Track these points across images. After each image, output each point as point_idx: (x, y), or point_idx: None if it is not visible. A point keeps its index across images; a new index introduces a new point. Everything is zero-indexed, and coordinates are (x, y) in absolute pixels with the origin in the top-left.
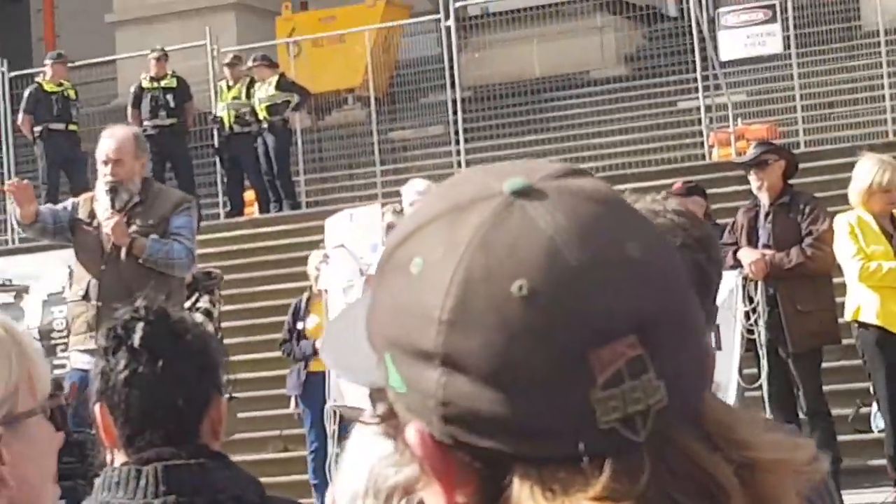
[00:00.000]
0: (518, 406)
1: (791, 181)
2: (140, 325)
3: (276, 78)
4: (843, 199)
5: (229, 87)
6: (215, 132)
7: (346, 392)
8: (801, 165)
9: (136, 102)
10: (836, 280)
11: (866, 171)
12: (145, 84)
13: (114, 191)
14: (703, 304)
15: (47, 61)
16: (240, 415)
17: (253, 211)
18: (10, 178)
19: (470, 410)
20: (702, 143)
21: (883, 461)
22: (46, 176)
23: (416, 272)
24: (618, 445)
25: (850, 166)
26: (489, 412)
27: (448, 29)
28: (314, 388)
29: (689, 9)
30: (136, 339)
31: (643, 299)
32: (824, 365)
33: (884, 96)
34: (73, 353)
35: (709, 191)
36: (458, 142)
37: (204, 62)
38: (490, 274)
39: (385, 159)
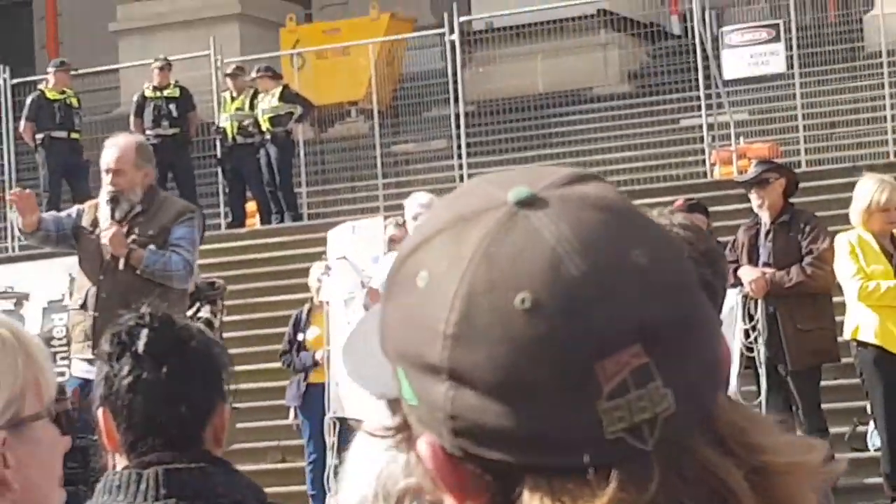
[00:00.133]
0: (524, 418)
1: (792, 200)
2: (145, 331)
3: (279, 89)
4: (844, 219)
5: (233, 98)
6: (218, 143)
7: (346, 403)
8: (802, 185)
9: (139, 111)
10: (835, 299)
11: (865, 190)
12: (148, 93)
13: (114, 201)
14: None
15: (50, 69)
16: (239, 425)
17: (254, 222)
18: (11, 185)
19: (478, 423)
20: (703, 161)
21: (879, 479)
22: (48, 184)
23: (423, 285)
24: (626, 455)
25: (851, 186)
26: (496, 425)
27: (452, 43)
28: (314, 399)
29: (693, 27)
30: (141, 345)
31: (648, 307)
32: (823, 383)
33: (885, 117)
34: (74, 361)
35: (710, 209)
36: (460, 156)
37: (207, 72)
38: (493, 287)
39: (387, 172)
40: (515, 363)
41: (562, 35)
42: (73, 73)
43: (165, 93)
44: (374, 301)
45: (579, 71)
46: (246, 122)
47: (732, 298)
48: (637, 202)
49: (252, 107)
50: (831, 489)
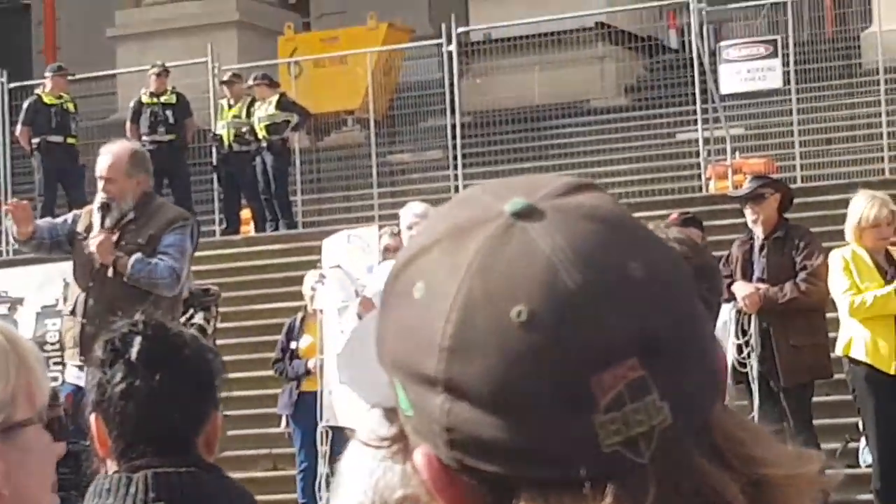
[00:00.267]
0: (520, 431)
1: (787, 215)
2: (138, 338)
3: (276, 97)
4: (839, 235)
5: (230, 106)
6: (214, 150)
7: (339, 412)
8: (797, 200)
9: (135, 117)
10: (829, 315)
11: (857, 207)
12: (145, 99)
13: (105, 208)
14: None
15: (47, 73)
16: (230, 432)
17: (249, 229)
18: (7, 188)
19: (474, 436)
20: (699, 176)
21: (870, 496)
22: (43, 188)
23: (419, 297)
24: (622, 468)
25: (847, 202)
26: (492, 438)
27: (450, 54)
28: (305, 407)
29: (690, 41)
30: (134, 352)
31: (645, 320)
32: (815, 399)
33: (881, 133)
34: (68, 367)
35: (705, 223)
36: (456, 167)
37: (205, 79)
38: (489, 299)
39: (383, 182)
40: (511, 376)
41: (559, 47)
42: (70, 78)
43: (162, 99)
44: (368, 310)
45: (576, 83)
46: (243, 130)
47: (726, 313)
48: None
49: (249, 114)
50: None
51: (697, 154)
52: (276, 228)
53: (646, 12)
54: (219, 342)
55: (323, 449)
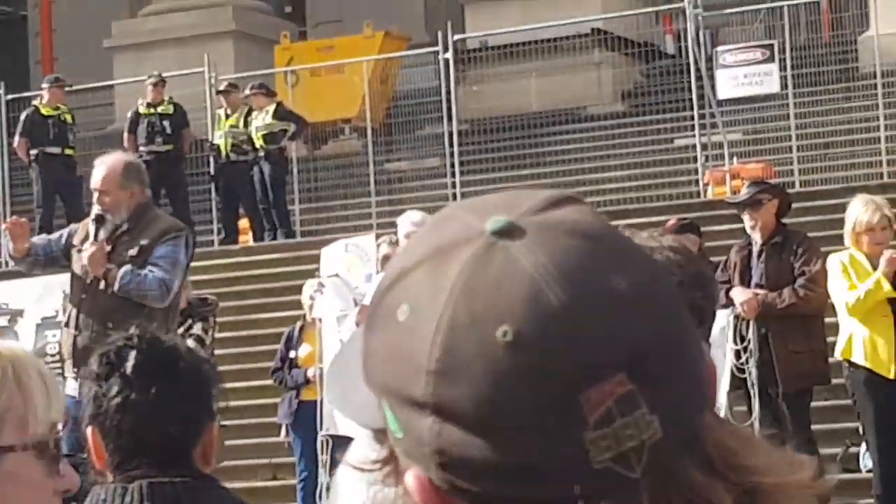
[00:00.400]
0: (510, 452)
1: (785, 221)
2: (133, 352)
3: (273, 107)
4: (838, 240)
5: (227, 116)
6: (211, 159)
7: (339, 421)
8: (796, 205)
9: (133, 128)
10: (827, 320)
11: (853, 211)
12: (142, 110)
13: (99, 220)
14: None
15: (44, 85)
16: (230, 442)
17: (247, 239)
18: (5, 200)
19: (464, 458)
20: (697, 181)
21: (871, 501)
22: (41, 199)
23: (404, 319)
24: (614, 483)
25: (845, 207)
26: (483, 459)
27: (446, 61)
28: (305, 416)
29: (687, 47)
30: (129, 366)
31: (631, 333)
32: (814, 404)
33: (879, 138)
34: (69, 380)
35: (703, 229)
36: (454, 174)
37: (202, 89)
38: (475, 320)
39: (380, 190)
40: (499, 397)
41: (556, 54)
42: (67, 89)
43: (159, 109)
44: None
45: (573, 90)
46: (240, 140)
47: (724, 319)
48: (630, 221)
49: (246, 124)
50: None
51: (695, 160)
52: (275, 238)
53: (642, 18)
54: (218, 352)
55: (323, 458)
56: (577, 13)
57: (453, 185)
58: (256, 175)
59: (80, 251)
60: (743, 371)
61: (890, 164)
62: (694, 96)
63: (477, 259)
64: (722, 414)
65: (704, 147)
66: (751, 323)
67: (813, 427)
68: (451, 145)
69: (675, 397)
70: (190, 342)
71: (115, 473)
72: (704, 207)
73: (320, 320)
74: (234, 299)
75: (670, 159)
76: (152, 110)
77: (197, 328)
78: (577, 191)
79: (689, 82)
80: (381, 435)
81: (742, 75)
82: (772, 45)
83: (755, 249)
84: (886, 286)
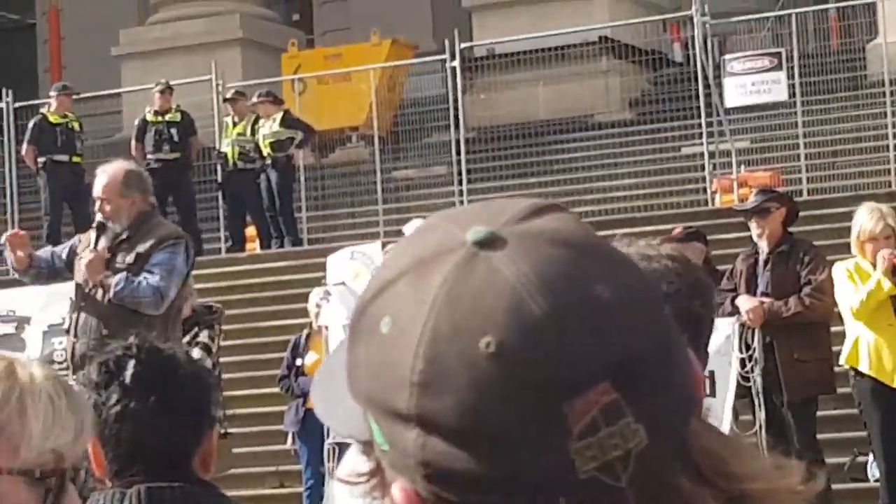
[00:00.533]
0: (496, 463)
1: (794, 228)
2: (132, 362)
3: (280, 114)
4: (846, 248)
5: (235, 124)
6: (219, 167)
7: None
8: (804, 213)
9: (140, 136)
10: (833, 329)
11: (857, 220)
12: (149, 117)
13: (100, 228)
14: (695, 350)
15: (52, 93)
16: (237, 450)
17: (254, 247)
18: (13, 208)
19: (450, 469)
20: (705, 189)
21: None
22: (49, 207)
23: (387, 331)
24: (600, 493)
25: (853, 215)
26: (468, 470)
27: (453, 69)
28: (312, 424)
29: (694, 55)
30: (128, 375)
31: (614, 342)
32: (822, 413)
33: (888, 146)
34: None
35: (711, 237)
36: (461, 182)
37: (209, 97)
38: (457, 332)
39: (387, 198)
40: (483, 408)
41: (563, 62)
42: (75, 96)
43: (167, 117)
44: None
45: (580, 98)
46: (247, 148)
47: (729, 327)
48: (637, 230)
49: (253, 132)
50: None
51: (703, 168)
52: (282, 245)
53: (650, 26)
54: (225, 359)
55: (330, 465)
56: (585, 21)
57: (460, 193)
58: (263, 183)
59: (80, 259)
60: (748, 379)
61: None
62: (702, 104)
63: (459, 270)
64: (728, 422)
65: (712, 155)
66: (756, 331)
67: (821, 436)
68: (459, 153)
69: (661, 405)
70: (196, 350)
71: (114, 481)
72: (712, 216)
73: (327, 328)
74: (241, 307)
75: (678, 167)
76: (160, 118)
77: (203, 336)
78: (585, 198)
79: (697, 90)
80: (367, 447)
81: (750, 83)
82: (780, 53)
83: (761, 258)
84: (887, 285)
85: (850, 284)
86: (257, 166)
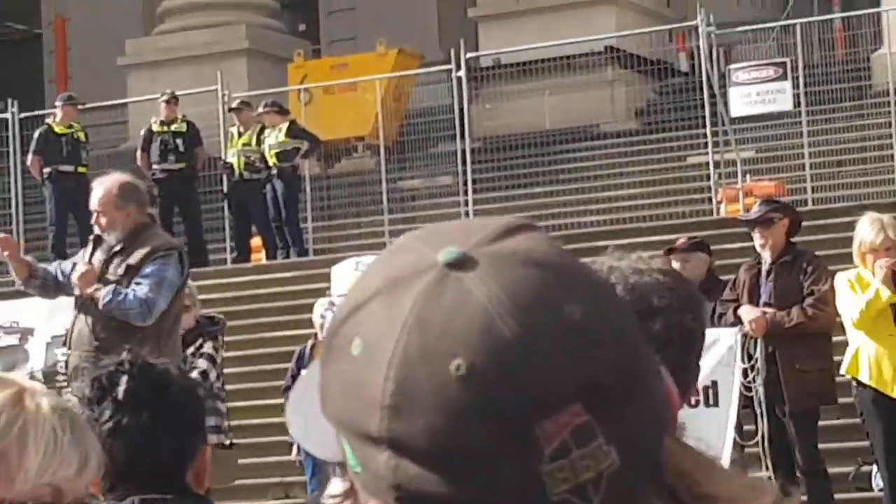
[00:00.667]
0: (467, 486)
1: (798, 237)
2: (124, 377)
3: (286, 124)
4: (850, 258)
5: (240, 134)
6: (224, 178)
7: None
8: (808, 223)
9: (146, 146)
10: (835, 339)
11: (860, 230)
12: (155, 128)
13: (97, 241)
14: (687, 364)
15: (58, 103)
16: (242, 461)
17: (260, 257)
18: (18, 217)
19: (422, 492)
20: (710, 199)
21: None
22: (55, 217)
23: (357, 353)
24: None
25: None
26: (440, 493)
27: (459, 79)
28: None
29: (700, 64)
30: (121, 391)
31: (585, 364)
32: (825, 423)
33: (892, 156)
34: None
35: (716, 247)
36: (466, 192)
37: (215, 107)
38: (427, 354)
39: (393, 208)
40: (454, 431)
41: (569, 72)
42: (80, 107)
43: (173, 127)
44: None
45: (586, 108)
46: (252, 158)
47: (732, 337)
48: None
49: (259, 142)
50: None
51: (708, 177)
52: (287, 256)
53: (655, 36)
54: (230, 370)
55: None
56: (591, 31)
57: (466, 203)
58: (269, 193)
59: (74, 272)
60: (750, 389)
61: None
62: (707, 114)
63: (429, 292)
64: (731, 432)
65: (717, 165)
66: (758, 341)
67: (825, 446)
68: (465, 163)
69: (634, 426)
70: (202, 361)
71: (108, 497)
72: (717, 225)
73: None
74: (247, 317)
75: (683, 177)
76: (165, 128)
77: (208, 347)
78: (590, 208)
79: (703, 100)
80: (342, 468)
81: (755, 93)
82: (785, 63)
83: (764, 268)
84: (886, 294)
85: (851, 294)
86: (263, 177)
